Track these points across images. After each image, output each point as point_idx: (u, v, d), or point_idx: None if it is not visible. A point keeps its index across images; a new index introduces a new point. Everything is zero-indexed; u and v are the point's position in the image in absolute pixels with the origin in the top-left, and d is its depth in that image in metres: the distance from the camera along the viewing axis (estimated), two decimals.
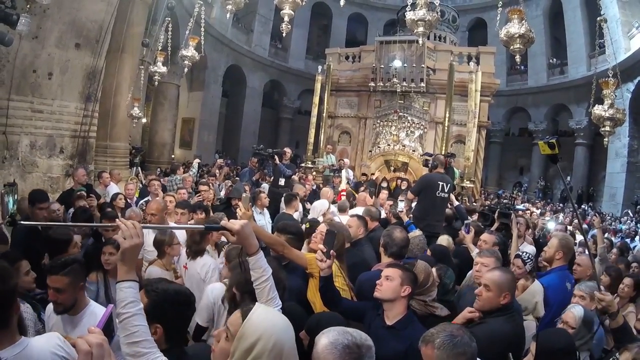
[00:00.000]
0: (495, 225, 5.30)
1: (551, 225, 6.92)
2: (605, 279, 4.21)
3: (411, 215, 5.52)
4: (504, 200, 6.23)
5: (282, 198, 6.19)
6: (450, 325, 1.75)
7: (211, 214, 5.55)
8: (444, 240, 4.68)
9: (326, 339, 1.48)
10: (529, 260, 3.83)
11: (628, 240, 10.87)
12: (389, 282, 2.45)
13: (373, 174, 12.48)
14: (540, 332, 2.39)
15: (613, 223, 13.92)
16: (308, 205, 6.79)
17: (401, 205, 5.52)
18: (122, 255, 1.70)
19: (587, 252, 3.75)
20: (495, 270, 2.68)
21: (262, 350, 1.44)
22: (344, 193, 7.97)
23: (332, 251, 2.50)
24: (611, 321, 2.75)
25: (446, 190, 5.68)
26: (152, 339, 1.65)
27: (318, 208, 5.82)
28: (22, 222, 3.01)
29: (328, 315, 2.44)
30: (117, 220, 1.84)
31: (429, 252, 4.03)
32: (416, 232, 4.40)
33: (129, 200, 6.45)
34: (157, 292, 1.84)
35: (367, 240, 4.15)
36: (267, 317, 1.55)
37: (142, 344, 1.61)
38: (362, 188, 9.01)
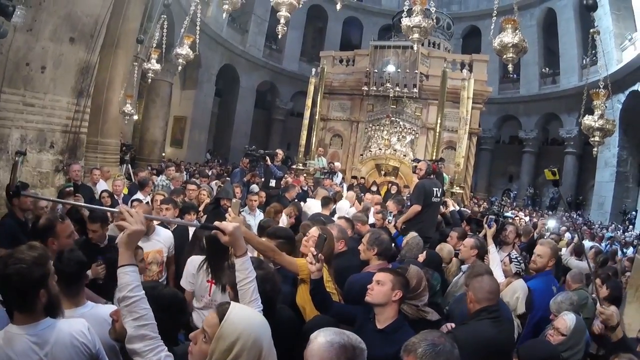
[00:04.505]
0: (484, 231, 5.33)
1: (551, 224, 6.90)
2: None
3: (402, 227, 5.51)
4: (494, 207, 6.26)
5: (320, 201, 6.29)
6: (432, 333, 1.74)
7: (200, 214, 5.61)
8: (444, 249, 4.67)
9: (323, 337, 1.50)
10: (516, 261, 3.90)
11: (618, 246, 10.97)
12: (380, 287, 2.46)
13: (355, 176, 12.48)
14: (520, 347, 2.41)
15: (601, 231, 14.04)
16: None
17: (389, 217, 5.48)
18: (127, 238, 1.76)
19: (586, 262, 3.80)
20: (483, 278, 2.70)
21: (242, 349, 1.46)
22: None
23: (319, 254, 2.52)
24: (611, 334, 2.78)
25: (439, 195, 5.83)
26: (156, 323, 1.70)
27: (343, 209, 6.21)
28: (24, 193, 2.81)
29: (325, 320, 2.46)
30: (119, 206, 1.88)
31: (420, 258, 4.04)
32: (413, 233, 4.43)
33: (116, 196, 6.40)
34: (148, 295, 1.83)
35: (356, 242, 4.15)
36: (244, 316, 1.56)
37: (150, 327, 1.68)
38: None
